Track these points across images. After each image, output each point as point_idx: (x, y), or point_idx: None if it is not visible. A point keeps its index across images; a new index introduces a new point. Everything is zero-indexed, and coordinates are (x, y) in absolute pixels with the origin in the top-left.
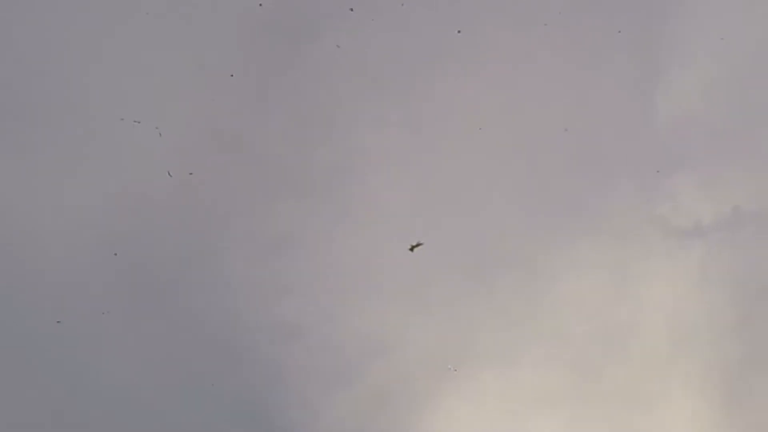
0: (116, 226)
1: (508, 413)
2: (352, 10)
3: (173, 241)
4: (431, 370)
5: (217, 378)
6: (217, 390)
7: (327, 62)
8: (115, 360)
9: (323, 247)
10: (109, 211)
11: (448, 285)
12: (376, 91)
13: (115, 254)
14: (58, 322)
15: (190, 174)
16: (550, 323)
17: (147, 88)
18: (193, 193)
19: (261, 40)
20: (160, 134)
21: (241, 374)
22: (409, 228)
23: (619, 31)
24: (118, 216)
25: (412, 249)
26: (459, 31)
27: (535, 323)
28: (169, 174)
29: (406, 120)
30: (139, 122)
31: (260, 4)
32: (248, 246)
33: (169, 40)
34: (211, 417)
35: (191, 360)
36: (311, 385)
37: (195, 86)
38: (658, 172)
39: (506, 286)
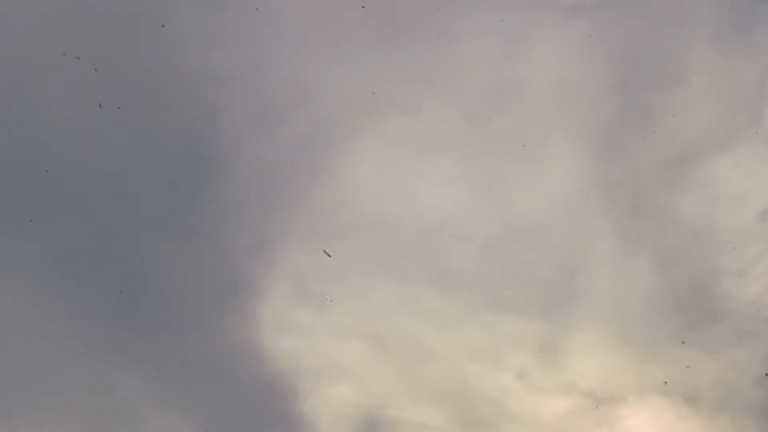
0: None
1: (408, 155)
2: None
3: None
4: (346, 117)
5: (159, 120)
6: (156, 128)
7: None
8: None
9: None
10: None
11: (363, 39)
12: None
13: None
14: None
15: None
16: (448, 78)
17: None
18: None
19: None
20: None
21: (180, 116)
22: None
23: None
24: None
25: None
26: None
27: (435, 78)
28: None
29: None
30: None
31: None
32: None
33: None
34: (152, 155)
35: (139, 104)
36: (242, 127)
37: None
38: None
39: (413, 44)
